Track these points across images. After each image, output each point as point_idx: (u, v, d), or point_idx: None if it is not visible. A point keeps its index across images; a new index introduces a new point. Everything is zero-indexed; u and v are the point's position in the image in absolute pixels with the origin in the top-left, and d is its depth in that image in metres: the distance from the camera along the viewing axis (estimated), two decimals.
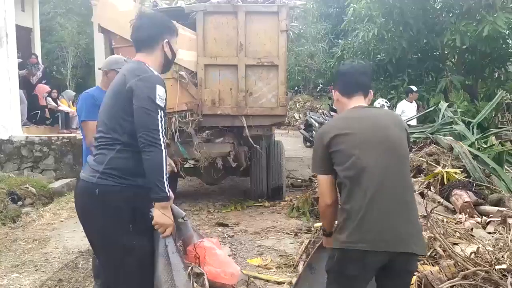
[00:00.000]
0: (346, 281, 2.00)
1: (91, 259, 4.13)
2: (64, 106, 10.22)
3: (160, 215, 2.05)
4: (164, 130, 2.04)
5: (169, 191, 2.06)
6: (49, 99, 9.92)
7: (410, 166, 5.18)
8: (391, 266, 1.97)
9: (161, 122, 2.01)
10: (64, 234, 5.03)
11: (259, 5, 5.57)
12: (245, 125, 5.61)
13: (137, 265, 2.10)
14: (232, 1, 5.48)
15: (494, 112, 8.67)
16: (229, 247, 4.51)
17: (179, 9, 5.61)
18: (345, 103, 2.21)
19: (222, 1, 5.53)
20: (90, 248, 4.41)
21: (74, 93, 11.75)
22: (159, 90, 2.04)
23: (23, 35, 11.04)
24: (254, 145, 5.69)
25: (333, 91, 2.34)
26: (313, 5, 15.58)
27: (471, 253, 2.87)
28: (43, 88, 10.11)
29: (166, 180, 2.03)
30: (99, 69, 3.72)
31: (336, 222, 2.12)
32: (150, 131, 1.99)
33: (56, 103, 10.06)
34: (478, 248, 2.90)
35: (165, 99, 2.09)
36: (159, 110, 2.02)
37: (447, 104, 7.03)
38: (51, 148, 8.50)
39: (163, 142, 2.01)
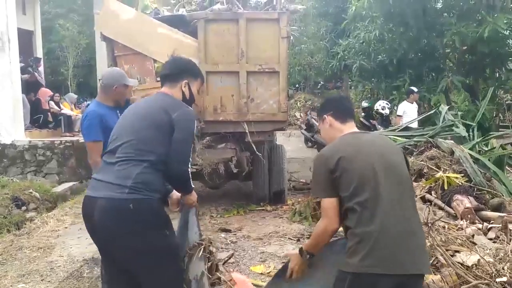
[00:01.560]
0: None
1: (96, 268, 4.19)
2: (66, 109, 10.27)
3: (189, 198, 2.63)
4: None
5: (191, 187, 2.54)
6: (52, 102, 9.97)
7: (411, 169, 5.26)
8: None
9: (191, 153, 2.41)
10: (69, 242, 5.07)
11: (260, 12, 5.61)
12: (247, 131, 5.65)
13: (176, 262, 2.43)
14: (233, 9, 5.51)
15: (495, 113, 8.71)
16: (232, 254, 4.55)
17: (180, 16, 5.65)
18: (339, 129, 2.26)
19: (223, 9, 5.56)
20: (95, 256, 4.50)
21: (76, 96, 11.81)
22: (195, 125, 2.46)
23: (25, 38, 11.09)
24: (256, 152, 5.72)
25: (323, 118, 2.32)
26: (313, 4, 15.58)
27: (472, 265, 2.90)
28: (45, 92, 10.16)
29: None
30: (99, 80, 3.68)
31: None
32: (183, 160, 2.34)
33: (59, 106, 10.11)
34: (479, 259, 2.93)
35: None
36: (191, 143, 2.42)
37: (448, 107, 7.03)
38: (54, 152, 8.56)
39: (190, 161, 2.38)
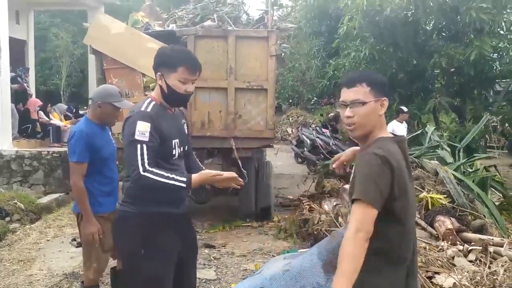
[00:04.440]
0: None
1: (76, 283, 4.15)
2: (55, 119, 10.22)
3: (205, 183, 2.32)
4: (149, 159, 2.15)
5: (182, 180, 2.18)
6: (41, 112, 9.92)
7: None
8: None
9: (141, 156, 2.14)
10: (50, 255, 5.02)
11: (249, 30, 5.68)
12: (233, 147, 5.67)
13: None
14: (223, 26, 5.58)
15: (481, 134, 8.82)
16: (214, 271, 4.53)
17: (170, 32, 5.71)
18: (384, 124, 1.86)
19: (213, 26, 5.63)
20: (75, 271, 4.46)
21: (66, 106, 11.76)
22: (140, 126, 2.18)
23: (17, 47, 11.08)
24: (242, 168, 5.73)
25: (381, 99, 1.80)
26: (305, 23, 15.77)
27: None
28: (35, 102, 10.12)
29: (171, 178, 2.16)
30: (90, 99, 3.49)
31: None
32: (130, 166, 2.17)
33: (48, 116, 10.07)
34: (454, 283, 2.94)
35: (151, 132, 2.19)
36: (138, 145, 2.15)
37: (433, 128, 7.12)
38: (41, 162, 8.49)
39: (141, 165, 2.13)
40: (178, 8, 7.47)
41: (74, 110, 12.10)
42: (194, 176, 2.22)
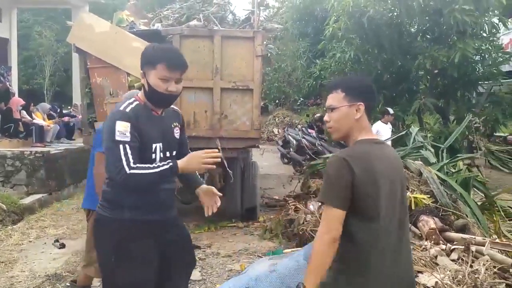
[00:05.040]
0: None
1: (58, 284, 4.09)
2: (38, 119, 10.07)
3: (191, 168, 2.20)
4: (133, 158, 2.07)
5: (167, 164, 2.11)
6: (24, 112, 9.76)
7: None
8: None
9: (125, 155, 2.06)
10: (32, 256, 4.94)
11: (235, 30, 5.67)
12: (219, 147, 5.65)
13: None
14: (209, 26, 5.56)
15: (464, 135, 8.94)
16: (199, 272, 4.51)
17: (155, 31, 5.67)
18: (364, 127, 1.87)
19: (199, 25, 5.60)
20: (58, 272, 4.40)
21: (49, 106, 11.59)
22: (119, 126, 2.09)
23: None
24: (227, 169, 5.72)
25: (355, 104, 1.84)
26: (292, 24, 15.82)
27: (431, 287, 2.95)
28: (17, 101, 9.96)
29: (156, 167, 2.09)
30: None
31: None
32: (114, 169, 2.07)
33: (31, 116, 9.91)
34: (436, 282, 2.98)
35: (131, 132, 2.09)
36: (120, 146, 2.06)
37: (418, 128, 7.19)
38: (23, 162, 8.36)
39: (127, 165, 2.05)
40: (163, 7, 7.43)
41: (58, 110, 11.94)
42: (180, 160, 2.15)
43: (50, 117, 10.85)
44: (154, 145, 2.19)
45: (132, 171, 2.04)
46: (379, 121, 8.58)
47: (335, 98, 1.88)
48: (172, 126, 2.34)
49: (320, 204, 5.18)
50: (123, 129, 2.08)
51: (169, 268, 2.31)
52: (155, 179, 2.10)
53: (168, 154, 2.27)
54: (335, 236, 1.72)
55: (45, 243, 5.41)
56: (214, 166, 2.24)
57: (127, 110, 2.16)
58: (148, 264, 2.20)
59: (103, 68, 5.52)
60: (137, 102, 2.21)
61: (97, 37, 5.48)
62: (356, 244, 1.77)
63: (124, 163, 2.04)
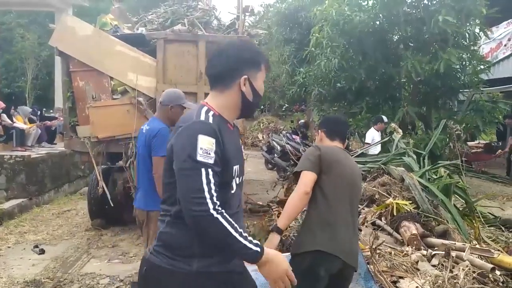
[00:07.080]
0: (315, 281, 2.32)
1: None
2: (19, 122, 9.90)
3: (267, 271, 1.63)
4: (216, 192, 1.57)
5: (256, 245, 1.60)
6: (4, 115, 9.59)
7: (363, 195, 5.41)
8: (340, 274, 2.41)
9: (208, 184, 1.55)
10: (10, 262, 4.84)
11: (220, 35, 5.67)
12: None
13: None
14: (193, 31, 5.55)
15: (445, 142, 9.07)
16: None
17: (139, 35, 5.64)
18: (326, 145, 2.68)
19: (184, 30, 5.59)
20: (37, 278, 4.31)
21: (30, 109, 11.41)
22: (202, 142, 1.58)
23: None
24: None
25: (318, 132, 2.78)
26: (277, 30, 15.89)
27: None
28: None
29: (243, 237, 1.58)
30: (160, 103, 3.57)
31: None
32: (190, 199, 1.54)
33: (11, 119, 9.74)
34: (417, 287, 3.00)
35: (216, 152, 1.60)
36: (202, 169, 1.56)
37: (400, 135, 7.28)
38: (3, 166, 8.22)
39: (212, 205, 1.54)
40: (148, 11, 7.41)
41: (38, 113, 11.76)
42: (268, 250, 1.63)
43: (30, 120, 10.69)
44: (234, 167, 1.72)
45: (218, 216, 1.54)
46: (372, 128, 8.60)
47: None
48: (240, 143, 1.91)
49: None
50: (207, 146, 1.58)
51: None
52: (233, 247, 1.57)
53: (241, 179, 1.81)
54: (307, 191, 2.40)
55: (24, 248, 5.31)
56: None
57: (210, 121, 1.66)
58: None
59: (86, 71, 5.46)
60: (212, 112, 1.71)
61: (80, 40, 5.43)
62: (324, 195, 2.44)
63: (207, 196, 1.54)
